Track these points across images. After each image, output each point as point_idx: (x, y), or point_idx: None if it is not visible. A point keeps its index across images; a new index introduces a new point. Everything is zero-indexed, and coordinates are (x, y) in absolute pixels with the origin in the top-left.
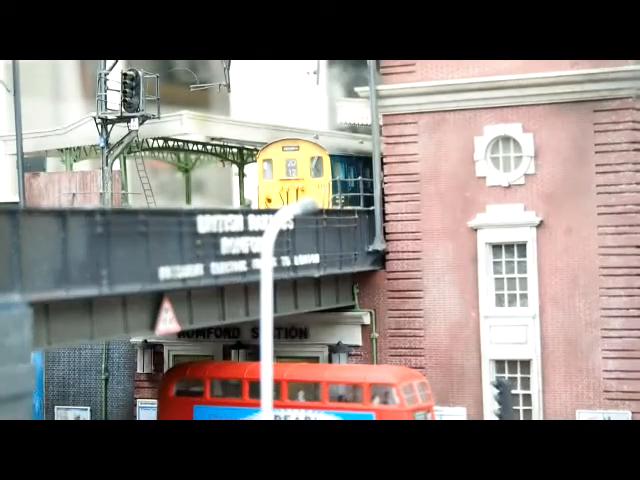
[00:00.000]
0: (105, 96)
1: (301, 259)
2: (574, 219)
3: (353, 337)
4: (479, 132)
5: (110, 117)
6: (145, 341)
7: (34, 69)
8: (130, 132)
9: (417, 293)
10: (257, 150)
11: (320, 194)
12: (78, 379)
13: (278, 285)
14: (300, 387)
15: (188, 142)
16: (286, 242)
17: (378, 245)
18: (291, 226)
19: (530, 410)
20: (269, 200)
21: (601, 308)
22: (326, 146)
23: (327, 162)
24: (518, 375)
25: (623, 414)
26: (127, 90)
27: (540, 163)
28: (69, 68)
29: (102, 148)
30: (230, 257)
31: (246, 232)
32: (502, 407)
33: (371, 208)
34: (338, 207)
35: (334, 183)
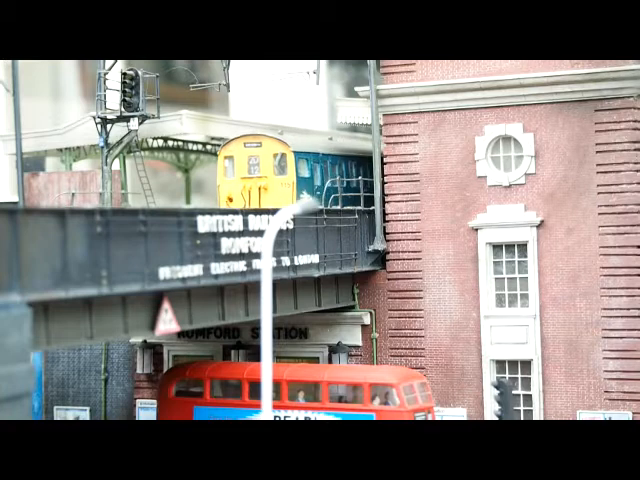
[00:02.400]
0: (105, 96)
1: (301, 259)
2: (575, 219)
3: (353, 337)
4: (480, 132)
5: (110, 117)
6: (145, 341)
7: (34, 69)
8: (130, 132)
9: (417, 293)
10: None
11: (284, 193)
12: (77, 379)
13: (278, 285)
14: (300, 387)
15: (188, 142)
16: (286, 242)
17: (378, 245)
18: (291, 226)
19: (531, 410)
20: (230, 199)
21: (602, 308)
22: (292, 142)
23: (291, 159)
24: (519, 375)
25: (624, 414)
26: (127, 90)
27: (541, 163)
28: (69, 68)
29: (102, 148)
30: (230, 257)
31: (246, 232)
32: (502, 408)
33: (371, 208)
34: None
35: (299, 181)
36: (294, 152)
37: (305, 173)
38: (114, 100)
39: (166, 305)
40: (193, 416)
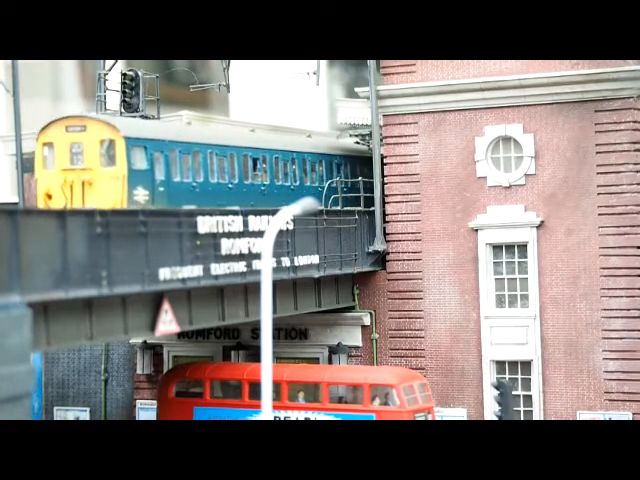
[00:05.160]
0: (104, 96)
1: (301, 260)
2: (575, 220)
3: (353, 338)
4: (480, 132)
5: None
6: (145, 342)
7: (34, 69)
8: None
9: (417, 294)
10: None
11: (112, 188)
12: (77, 380)
13: (278, 286)
14: (300, 388)
15: None
16: (286, 243)
17: (378, 246)
18: (291, 227)
19: (531, 411)
20: (49, 196)
21: (602, 309)
22: (127, 126)
23: (122, 147)
24: (519, 376)
25: (624, 415)
26: (127, 90)
27: (541, 163)
28: (69, 68)
29: None
30: (230, 258)
31: (246, 233)
32: (502, 408)
33: (371, 209)
34: (142, 205)
35: (133, 174)
36: (126, 138)
37: (142, 164)
38: (114, 101)
39: (166, 306)
40: (193, 417)
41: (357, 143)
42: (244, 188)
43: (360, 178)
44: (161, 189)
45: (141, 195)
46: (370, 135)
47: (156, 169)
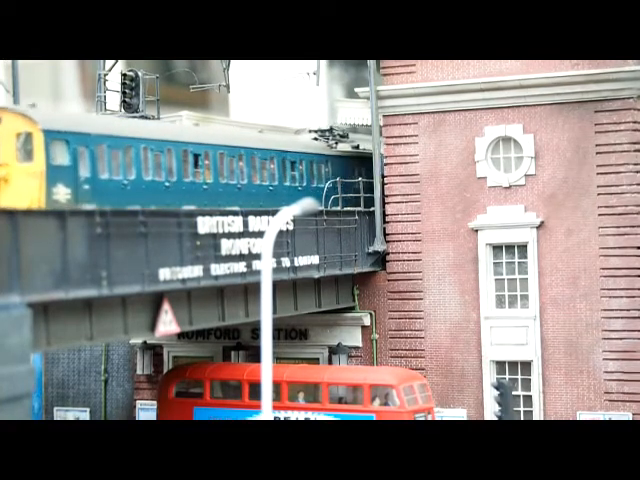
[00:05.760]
0: (104, 96)
1: (301, 260)
2: (575, 220)
3: (353, 338)
4: (480, 133)
5: None
6: (145, 342)
7: (34, 69)
8: None
9: (417, 294)
10: None
11: (29, 186)
12: (77, 380)
13: (278, 286)
14: (300, 388)
15: None
16: (286, 243)
17: (378, 246)
18: (291, 227)
19: (531, 411)
20: None
21: (602, 309)
22: (47, 119)
23: (40, 140)
24: (519, 376)
25: (624, 415)
26: (127, 91)
27: (541, 164)
28: (69, 68)
29: None
30: (230, 258)
31: (246, 233)
32: (502, 408)
33: (371, 209)
34: (62, 205)
35: (53, 171)
36: (45, 131)
37: (63, 160)
38: (114, 101)
39: (166, 306)
40: (193, 417)
41: (315, 139)
42: (183, 186)
43: (360, 178)
44: (86, 187)
45: (62, 194)
46: (330, 131)
47: (80, 165)
